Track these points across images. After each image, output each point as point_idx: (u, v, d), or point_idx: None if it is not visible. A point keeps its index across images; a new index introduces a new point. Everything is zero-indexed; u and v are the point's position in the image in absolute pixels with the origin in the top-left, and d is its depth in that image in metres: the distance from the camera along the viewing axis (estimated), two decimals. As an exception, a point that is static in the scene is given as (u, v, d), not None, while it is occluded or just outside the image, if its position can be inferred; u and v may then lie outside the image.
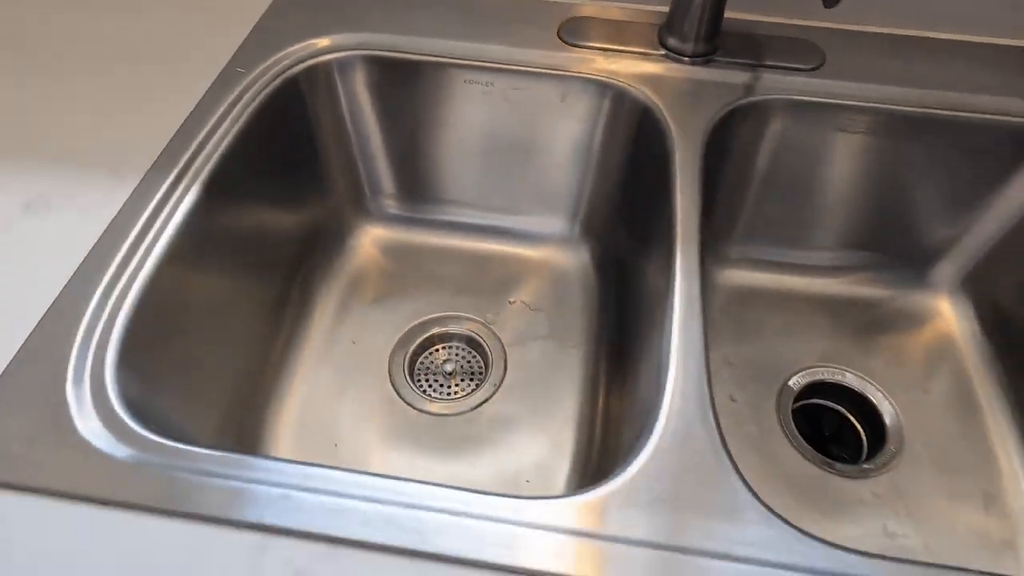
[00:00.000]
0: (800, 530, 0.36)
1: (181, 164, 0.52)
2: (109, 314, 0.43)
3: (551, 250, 0.73)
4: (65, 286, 0.44)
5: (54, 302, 0.43)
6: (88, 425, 0.38)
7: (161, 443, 0.38)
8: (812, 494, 0.59)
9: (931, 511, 0.58)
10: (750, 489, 0.38)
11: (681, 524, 0.36)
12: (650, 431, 0.40)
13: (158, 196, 0.50)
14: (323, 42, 0.62)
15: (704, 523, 0.36)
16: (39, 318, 0.43)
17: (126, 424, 0.39)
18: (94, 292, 0.44)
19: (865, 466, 0.62)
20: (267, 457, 0.39)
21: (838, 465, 0.62)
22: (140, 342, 0.44)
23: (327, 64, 0.62)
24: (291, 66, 0.60)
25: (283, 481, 0.37)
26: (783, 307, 0.71)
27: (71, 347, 0.41)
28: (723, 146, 0.60)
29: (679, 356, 0.43)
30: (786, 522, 0.36)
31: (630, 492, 0.37)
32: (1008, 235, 0.63)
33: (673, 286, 0.46)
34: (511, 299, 0.71)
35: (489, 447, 0.62)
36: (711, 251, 0.70)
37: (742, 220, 0.67)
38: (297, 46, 0.62)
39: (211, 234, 0.53)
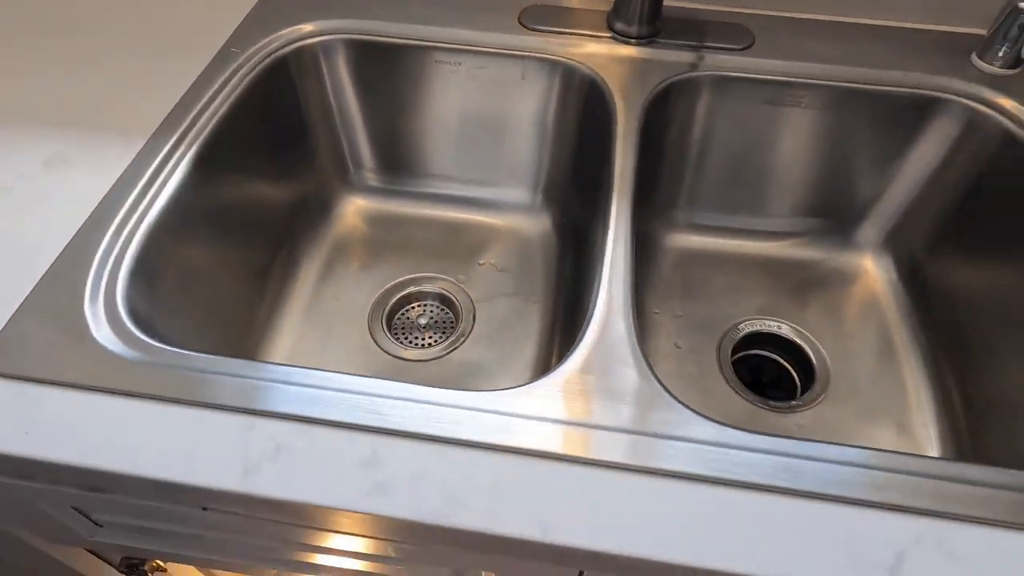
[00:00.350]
0: (693, 410, 0.43)
1: (180, 130, 0.59)
2: (120, 248, 0.50)
3: (517, 217, 0.80)
4: (81, 226, 0.52)
5: (72, 238, 0.51)
6: (102, 333, 0.45)
7: (163, 348, 0.45)
8: (743, 424, 0.66)
9: (849, 439, 0.65)
10: (661, 384, 0.45)
11: (594, 407, 0.43)
12: (580, 340, 0.47)
13: (160, 155, 0.57)
14: (309, 27, 0.70)
15: (615, 406, 0.43)
16: (60, 250, 0.50)
17: (134, 333, 0.46)
18: (106, 231, 0.51)
19: (794, 403, 0.69)
20: (255, 360, 0.46)
21: (770, 402, 0.69)
22: (146, 271, 0.51)
23: (313, 47, 0.69)
24: (280, 48, 0.68)
25: (268, 376, 0.44)
26: (727, 267, 0.78)
27: (87, 273, 0.48)
28: (663, 118, 0.67)
29: (608, 276, 0.50)
30: (685, 406, 0.43)
31: (553, 386, 0.44)
32: (917, 197, 0.70)
33: (608, 224, 0.54)
34: (480, 261, 0.79)
35: (455, 386, 0.69)
36: (661, 217, 0.78)
37: (685, 188, 0.75)
38: (287, 30, 0.69)
39: (207, 194, 0.60)
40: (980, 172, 0.65)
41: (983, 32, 0.68)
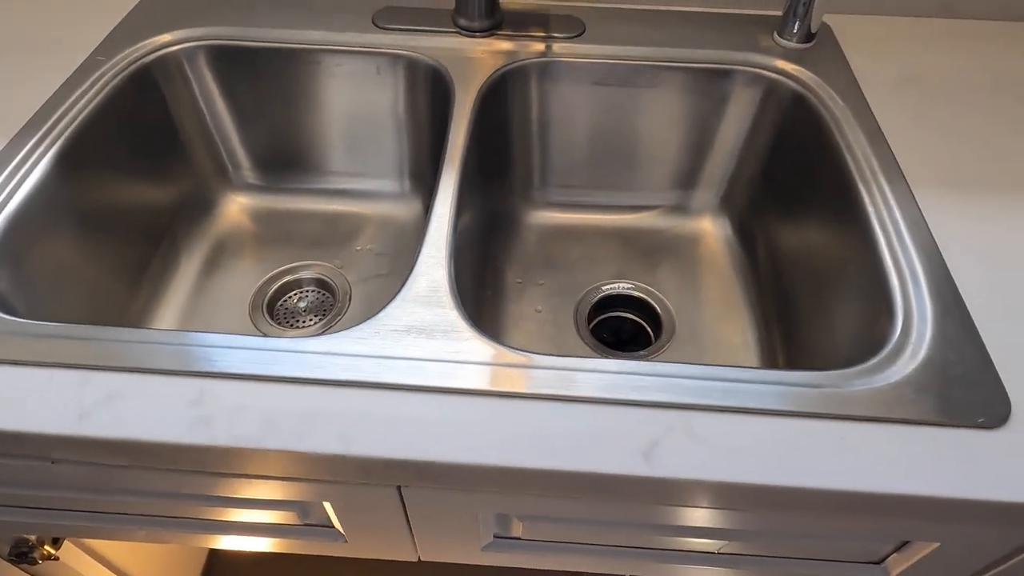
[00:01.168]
0: (497, 343, 0.49)
1: (42, 131, 0.63)
2: (-27, 237, 0.54)
3: (389, 204, 0.86)
4: (-63, 220, 0.55)
5: (-73, 231, 0.54)
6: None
7: (9, 319, 0.49)
8: (595, 375, 0.73)
9: (688, 379, 0.72)
10: (468, 321, 0.50)
11: (405, 343, 0.49)
12: (402, 288, 0.53)
13: (21, 153, 0.61)
14: (169, 36, 0.75)
15: (423, 340, 0.49)
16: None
17: (-18, 309, 0.50)
18: (-39, 223, 0.55)
19: (641, 352, 0.75)
20: (112, 326, 0.50)
21: (620, 353, 0.75)
22: (4, 260, 0.55)
23: (175, 54, 0.74)
24: (143, 56, 0.73)
25: (106, 336, 0.48)
26: (585, 240, 0.85)
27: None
28: (502, 103, 0.74)
29: (434, 234, 0.56)
30: (488, 338, 0.49)
31: (372, 330, 0.50)
32: (738, 161, 0.78)
33: (436, 192, 0.60)
34: (358, 247, 0.84)
35: (331, 361, 0.73)
36: (520, 197, 0.84)
37: (536, 169, 0.82)
38: (150, 40, 0.74)
39: (72, 190, 0.64)
40: (780, 132, 0.73)
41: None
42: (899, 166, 0.62)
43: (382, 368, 0.47)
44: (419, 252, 0.55)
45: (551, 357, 0.48)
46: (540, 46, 0.75)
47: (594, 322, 0.81)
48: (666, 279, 0.81)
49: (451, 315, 0.51)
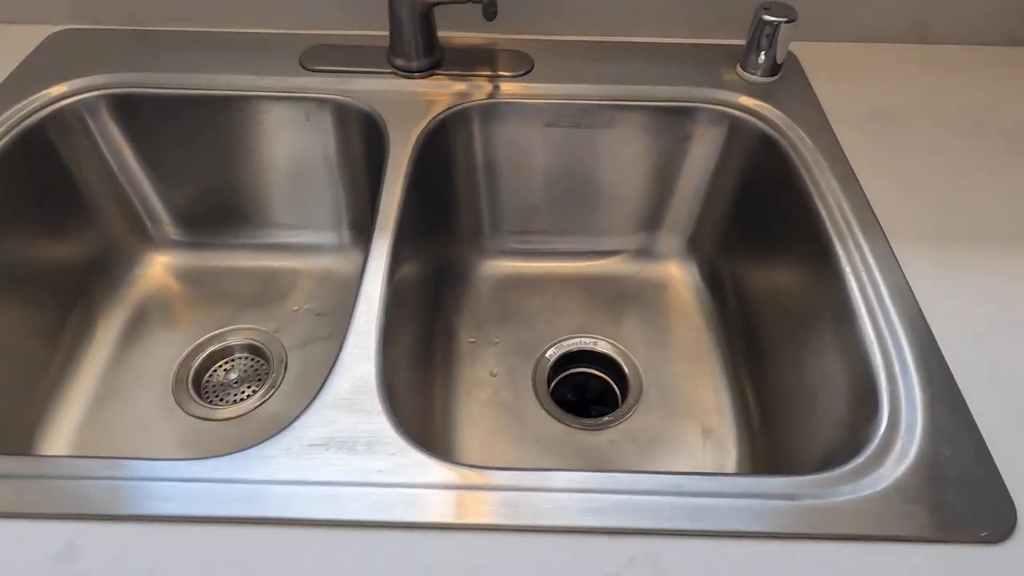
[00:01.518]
0: (429, 452, 0.42)
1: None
2: None
3: (329, 259, 0.78)
4: None
5: None
6: None
7: None
8: (556, 447, 0.66)
9: (658, 450, 0.66)
10: (401, 432, 0.44)
11: (317, 462, 0.42)
12: (320, 391, 0.46)
13: None
14: (71, 84, 0.67)
15: (350, 458, 0.42)
16: None
17: None
18: None
19: (607, 419, 0.69)
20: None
21: (584, 420, 0.69)
22: None
23: (73, 107, 0.66)
24: (35, 111, 0.65)
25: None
26: (543, 290, 0.78)
27: None
28: (443, 148, 0.67)
29: (361, 318, 0.49)
30: (420, 448, 0.42)
31: (282, 445, 0.43)
32: (705, 202, 0.73)
33: (367, 263, 0.53)
34: (295, 307, 0.77)
35: (256, 443, 0.66)
36: (470, 245, 0.77)
37: (485, 215, 0.75)
38: (45, 91, 0.66)
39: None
40: (747, 174, 0.68)
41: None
42: (875, 216, 0.57)
43: (291, 498, 0.40)
44: (344, 340, 0.48)
45: (492, 472, 0.41)
46: (485, 86, 0.69)
47: (557, 380, 0.74)
48: (632, 332, 0.75)
49: (377, 422, 0.44)
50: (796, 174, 0.61)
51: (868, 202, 0.58)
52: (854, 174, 0.60)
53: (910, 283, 0.51)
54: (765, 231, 0.66)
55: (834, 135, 0.64)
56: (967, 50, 0.76)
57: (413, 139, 0.63)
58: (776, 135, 0.64)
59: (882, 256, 0.53)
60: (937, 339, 0.48)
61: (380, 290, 0.52)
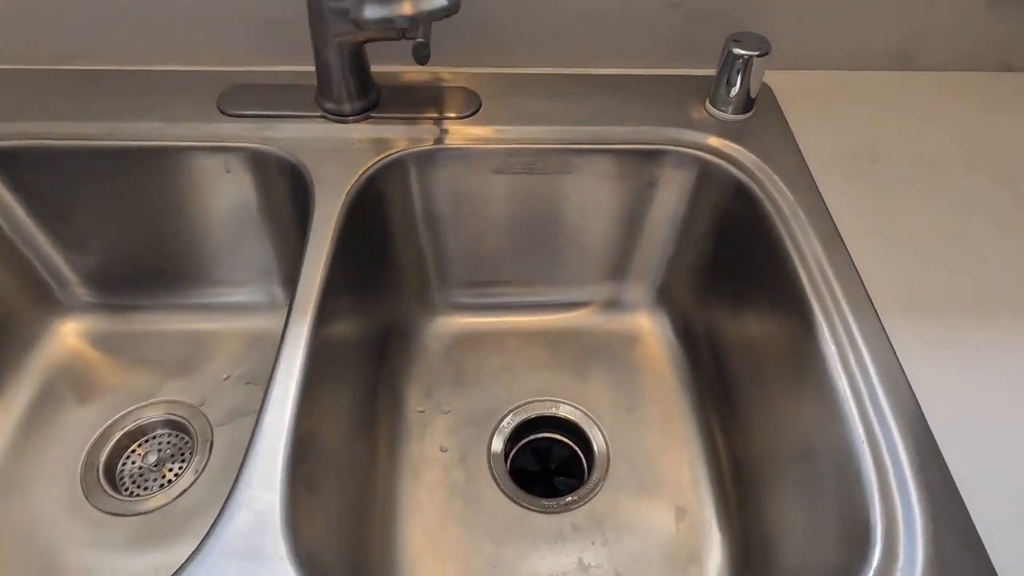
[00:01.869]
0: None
1: None
2: None
3: (262, 320, 0.71)
4: None
5: None
6: None
7: None
8: (512, 534, 0.59)
9: (626, 536, 0.59)
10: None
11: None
12: (215, 527, 0.38)
13: None
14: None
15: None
16: None
17: None
18: None
19: (569, 499, 0.62)
20: None
21: (544, 502, 0.62)
22: None
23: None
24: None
25: None
26: (502, 348, 0.71)
27: None
28: (379, 200, 0.60)
29: (265, 439, 0.42)
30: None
31: None
32: (675, 250, 0.66)
33: (285, 339, 0.46)
34: (224, 375, 0.69)
35: (182, 541, 0.58)
36: (417, 302, 0.70)
37: (431, 269, 0.68)
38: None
39: None
40: (720, 221, 0.61)
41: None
42: (862, 283, 0.50)
43: None
44: (242, 468, 0.41)
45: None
46: (425, 130, 0.61)
47: (517, 447, 0.67)
48: (599, 394, 0.68)
49: (279, 570, 0.37)
50: (774, 230, 0.54)
51: (854, 265, 0.51)
52: (838, 232, 0.53)
53: (904, 367, 0.45)
54: (741, 284, 0.59)
55: (814, 183, 0.57)
56: (955, 77, 0.69)
57: (344, 192, 0.56)
58: (750, 183, 0.57)
59: (871, 334, 0.47)
60: (935, 435, 0.42)
61: (298, 373, 0.45)
